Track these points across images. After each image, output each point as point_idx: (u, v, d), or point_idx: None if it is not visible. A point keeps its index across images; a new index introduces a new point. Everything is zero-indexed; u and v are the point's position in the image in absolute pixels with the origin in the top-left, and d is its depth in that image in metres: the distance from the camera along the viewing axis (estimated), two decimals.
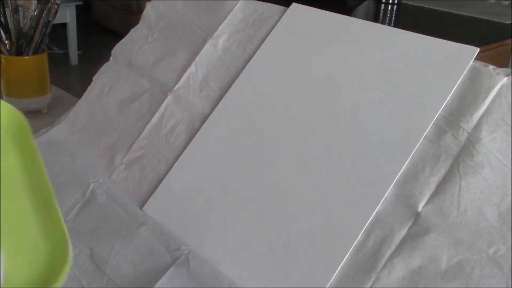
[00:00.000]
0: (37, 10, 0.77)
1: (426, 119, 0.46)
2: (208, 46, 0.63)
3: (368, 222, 0.45)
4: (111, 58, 0.71)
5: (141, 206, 0.56)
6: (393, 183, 0.45)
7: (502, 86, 0.45)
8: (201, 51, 0.63)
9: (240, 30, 0.62)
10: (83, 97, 0.70)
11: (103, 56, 0.73)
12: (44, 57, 0.81)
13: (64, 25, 3.05)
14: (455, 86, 0.47)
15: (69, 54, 3.18)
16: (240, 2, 0.64)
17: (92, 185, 0.59)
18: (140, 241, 0.52)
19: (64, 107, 0.90)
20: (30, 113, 0.89)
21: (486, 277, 0.39)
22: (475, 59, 0.47)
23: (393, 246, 0.43)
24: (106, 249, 0.52)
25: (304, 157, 0.50)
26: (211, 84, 0.61)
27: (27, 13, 0.77)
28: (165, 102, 0.62)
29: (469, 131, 0.45)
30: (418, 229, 0.43)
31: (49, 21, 0.78)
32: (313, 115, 0.52)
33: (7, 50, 0.79)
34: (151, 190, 0.57)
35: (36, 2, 0.77)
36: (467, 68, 0.47)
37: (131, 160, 0.61)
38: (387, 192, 0.45)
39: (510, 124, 0.43)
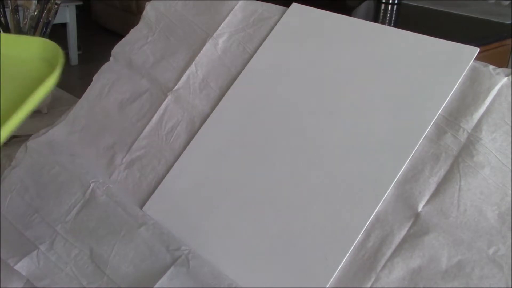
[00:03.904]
0: (37, 10, 0.77)
1: (426, 119, 0.46)
2: (208, 46, 0.63)
3: (368, 222, 0.45)
4: (111, 58, 0.71)
5: (141, 206, 0.56)
6: (393, 183, 0.45)
7: (502, 86, 0.45)
8: (201, 51, 0.63)
9: (240, 30, 0.62)
10: (83, 97, 0.70)
11: (103, 56, 0.73)
12: None
13: (64, 25, 3.05)
14: (455, 86, 0.47)
15: (69, 54, 3.17)
16: (240, 2, 0.64)
17: (92, 185, 0.59)
18: (140, 241, 0.52)
19: (64, 107, 0.90)
20: (30, 113, 0.89)
21: (486, 277, 0.40)
22: (475, 59, 0.47)
23: (393, 246, 0.43)
24: (106, 249, 0.52)
25: (304, 157, 0.50)
26: (211, 84, 0.61)
27: (27, 13, 0.77)
28: (165, 102, 0.62)
29: (469, 131, 0.45)
30: (418, 229, 0.43)
31: (49, 21, 0.78)
32: (313, 115, 0.52)
33: None
34: (151, 190, 0.57)
35: (36, 2, 0.77)
36: (467, 68, 0.47)
37: (131, 160, 0.61)
38: (387, 192, 0.45)
39: (510, 124, 0.43)
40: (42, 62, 0.46)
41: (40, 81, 0.39)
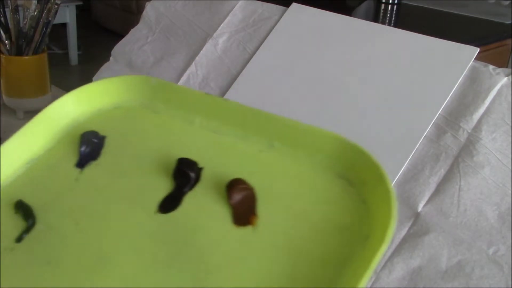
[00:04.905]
0: (37, 10, 0.77)
1: (426, 119, 0.46)
2: (208, 46, 0.63)
3: None
4: (111, 58, 0.71)
5: None
6: (393, 183, 0.45)
7: (502, 86, 0.45)
8: (201, 51, 0.63)
9: (240, 30, 0.62)
10: None
11: (103, 56, 0.73)
12: (44, 57, 0.81)
13: (64, 25, 3.05)
14: (455, 86, 0.47)
15: (69, 54, 3.18)
16: (240, 2, 0.64)
17: None
18: None
19: None
20: (30, 113, 0.89)
21: (486, 277, 0.39)
22: (475, 59, 0.47)
23: (393, 246, 0.43)
24: None
25: None
26: (211, 84, 0.61)
27: (27, 13, 0.77)
28: None
29: (469, 131, 0.45)
30: (418, 229, 0.43)
31: (49, 21, 0.78)
32: (313, 115, 0.52)
33: (7, 50, 0.79)
34: None
35: (36, 2, 0.77)
36: (467, 68, 0.47)
37: None
38: None
39: (510, 124, 0.43)
40: (341, 187, 0.27)
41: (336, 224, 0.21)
